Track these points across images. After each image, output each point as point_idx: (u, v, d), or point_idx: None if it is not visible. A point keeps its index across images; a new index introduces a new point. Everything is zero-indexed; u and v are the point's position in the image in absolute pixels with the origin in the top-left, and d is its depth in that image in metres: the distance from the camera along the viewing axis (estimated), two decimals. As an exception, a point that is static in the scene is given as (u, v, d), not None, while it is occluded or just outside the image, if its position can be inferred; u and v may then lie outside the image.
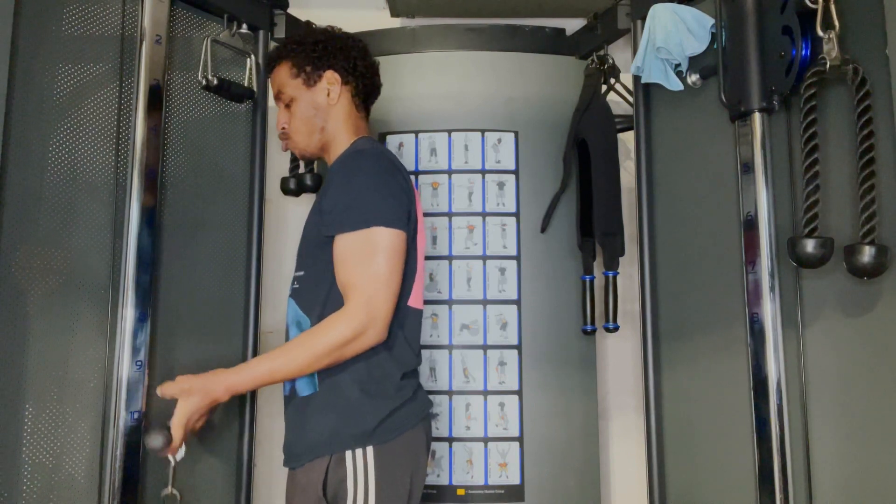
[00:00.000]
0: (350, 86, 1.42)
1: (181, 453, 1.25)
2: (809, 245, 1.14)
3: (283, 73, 1.43)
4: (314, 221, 1.35)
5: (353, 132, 1.42)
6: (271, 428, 1.78)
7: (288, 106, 1.43)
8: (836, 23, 1.14)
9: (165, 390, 1.24)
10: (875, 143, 1.10)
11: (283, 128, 1.44)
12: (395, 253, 1.25)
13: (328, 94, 1.40)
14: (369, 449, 1.24)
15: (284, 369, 1.24)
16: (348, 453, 1.23)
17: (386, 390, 1.28)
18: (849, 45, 1.16)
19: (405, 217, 1.29)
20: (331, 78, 1.40)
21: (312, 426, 1.28)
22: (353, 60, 1.42)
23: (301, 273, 1.37)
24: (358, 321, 1.20)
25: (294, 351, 1.23)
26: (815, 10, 1.16)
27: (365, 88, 1.45)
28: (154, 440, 1.19)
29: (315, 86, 1.40)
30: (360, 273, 1.23)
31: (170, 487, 1.29)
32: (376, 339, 1.23)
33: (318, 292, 1.30)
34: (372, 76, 1.47)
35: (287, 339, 1.37)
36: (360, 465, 1.23)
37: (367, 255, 1.23)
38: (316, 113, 1.41)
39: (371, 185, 1.27)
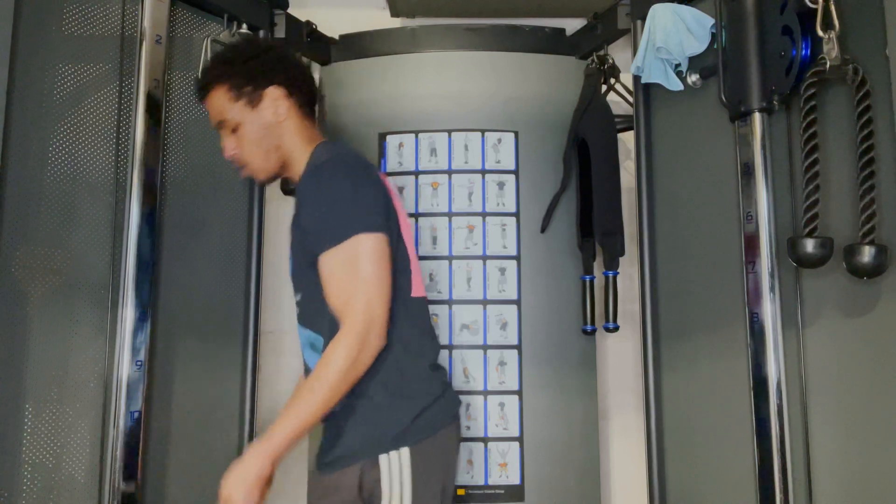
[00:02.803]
0: (295, 97, 1.35)
1: None
2: (809, 245, 1.14)
3: (220, 98, 1.33)
4: (298, 241, 1.32)
5: (309, 142, 1.36)
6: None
7: (235, 131, 1.34)
8: (836, 23, 1.14)
9: None
10: (875, 143, 1.10)
11: (233, 154, 1.36)
12: (380, 257, 1.23)
13: (275, 111, 1.32)
14: (404, 450, 1.23)
15: (313, 413, 1.19)
16: (382, 456, 1.23)
17: (413, 390, 1.27)
18: (849, 45, 1.16)
19: (382, 217, 1.26)
20: (274, 94, 1.32)
21: (344, 435, 1.26)
22: (292, 70, 1.37)
23: (299, 297, 1.35)
24: (358, 333, 1.18)
25: (313, 394, 1.18)
26: (815, 10, 1.16)
27: (308, 98, 1.40)
28: None
29: (259, 105, 1.32)
30: (351, 285, 1.21)
31: None
32: (379, 343, 1.22)
33: (321, 308, 1.27)
34: (310, 84, 1.41)
35: (304, 361, 1.35)
36: (395, 466, 1.22)
37: (353, 266, 1.21)
38: (267, 133, 1.33)
39: (339, 194, 1.24)
